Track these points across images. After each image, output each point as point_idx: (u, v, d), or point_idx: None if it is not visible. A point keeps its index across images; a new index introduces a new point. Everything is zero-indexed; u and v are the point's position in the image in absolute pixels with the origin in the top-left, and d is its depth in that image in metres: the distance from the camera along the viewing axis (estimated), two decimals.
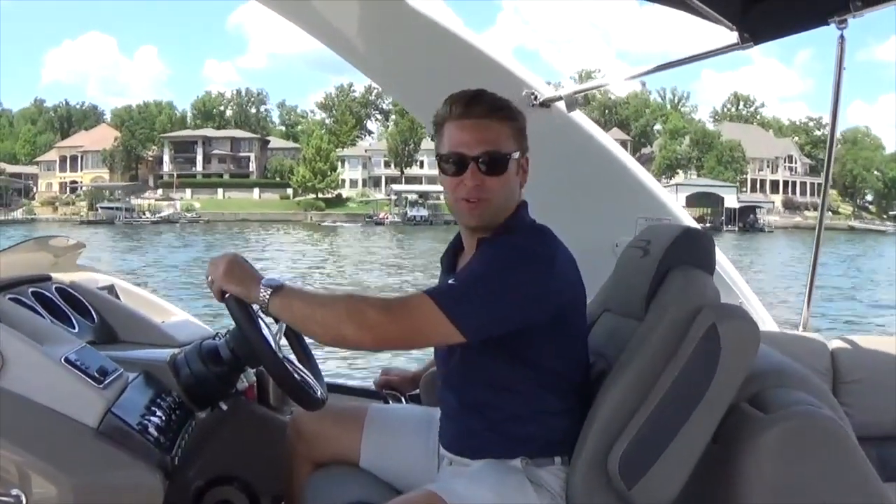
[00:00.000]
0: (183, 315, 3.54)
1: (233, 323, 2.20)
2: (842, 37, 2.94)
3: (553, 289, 1.96)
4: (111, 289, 3.44)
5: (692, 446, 1.93)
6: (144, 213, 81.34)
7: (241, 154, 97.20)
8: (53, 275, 3.15)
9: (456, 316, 1.88)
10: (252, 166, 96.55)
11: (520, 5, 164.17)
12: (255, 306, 2.08)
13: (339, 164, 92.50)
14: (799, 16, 2.86)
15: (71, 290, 3.09)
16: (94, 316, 3.08)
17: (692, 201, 78.80)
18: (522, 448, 2.05)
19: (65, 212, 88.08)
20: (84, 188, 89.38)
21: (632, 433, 1.93)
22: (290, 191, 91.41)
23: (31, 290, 2.86)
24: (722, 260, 3.40)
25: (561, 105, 3.57)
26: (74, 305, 3.03)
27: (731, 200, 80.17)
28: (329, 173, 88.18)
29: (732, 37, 2.98)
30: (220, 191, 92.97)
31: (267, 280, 1.99)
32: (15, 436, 1.96)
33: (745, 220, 79.24)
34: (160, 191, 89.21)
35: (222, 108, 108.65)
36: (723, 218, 77.35)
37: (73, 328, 2.86)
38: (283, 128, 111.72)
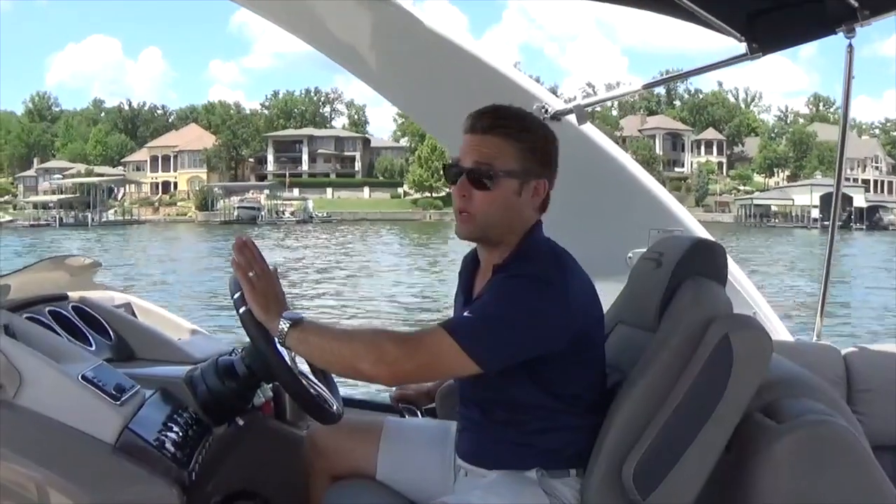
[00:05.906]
0: (199, 331, 3.56)
1: (248, 339, 2.22)
2: (850, 45, 2.93)
3: (569, 316, 1.96)
4: (128, 306, 3.46)
5: (706, 456, 1.93)
6: (285, 213, 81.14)
7: (347, 153, 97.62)
8: (70, 293, 3.18)
9: (473, 350, 1.89)
10: (357, 165, 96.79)
11: (525, 3, 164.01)
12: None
13: None
14: (806, 26, 2.85)
15: (88, 309, 3.12)
16: (111, 334, 3.10)
17: (825, 200, 79.37)
18: (538, 460, 2.06)
19: (167, 212, 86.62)
20: (215, 188, 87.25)
21: (646, 444, 1.93)
22: (400, 190, 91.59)
23: (48, 308, 2.89)
24: (735, 270, 3.39)
25: (572, 118, 3.58)
26: (91, 323, 3.05)
27: (860, 200, 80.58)
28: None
29: (741, 46, 2.98)
30: (329, 190, 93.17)
31: (288, 314, 2.01)
32: (33, 453, 1.98)
33: (871, 218, 79.71)
34: (266, 191, 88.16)
35: (303, 107, 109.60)
36: (852, 216, 77.44)
37: (90, 346, 2.89)
38: (355, 126, 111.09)
